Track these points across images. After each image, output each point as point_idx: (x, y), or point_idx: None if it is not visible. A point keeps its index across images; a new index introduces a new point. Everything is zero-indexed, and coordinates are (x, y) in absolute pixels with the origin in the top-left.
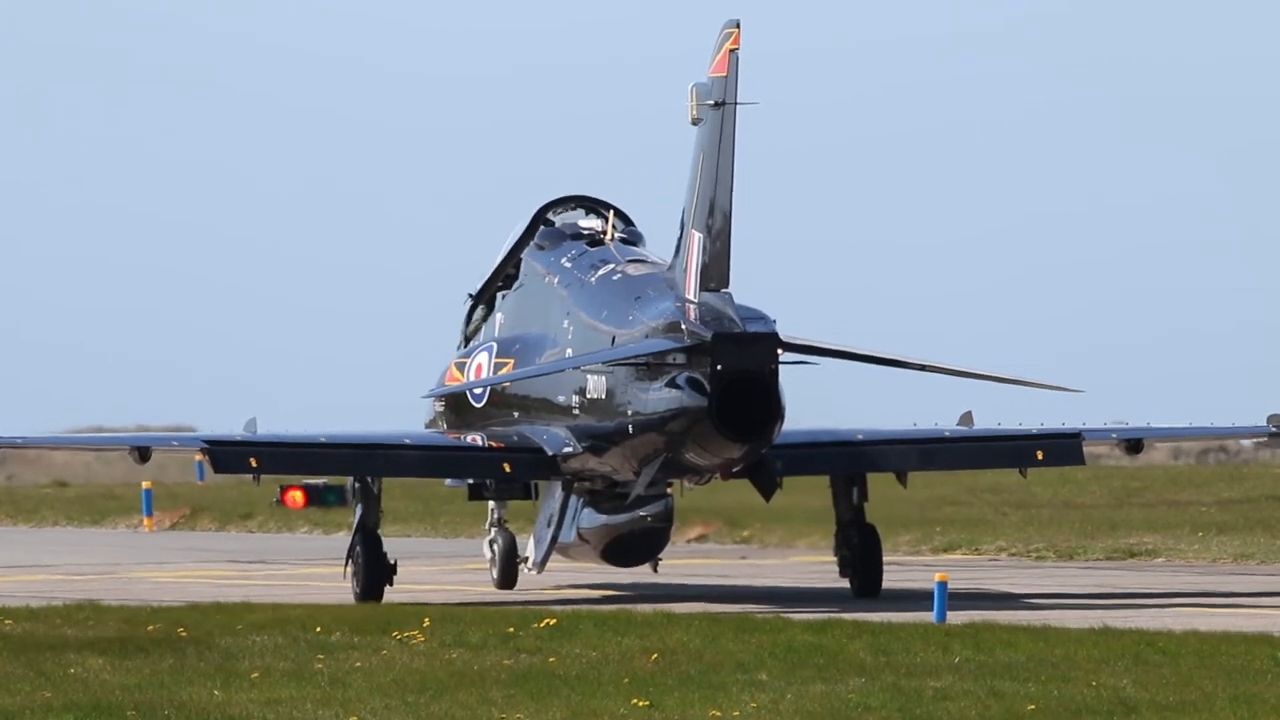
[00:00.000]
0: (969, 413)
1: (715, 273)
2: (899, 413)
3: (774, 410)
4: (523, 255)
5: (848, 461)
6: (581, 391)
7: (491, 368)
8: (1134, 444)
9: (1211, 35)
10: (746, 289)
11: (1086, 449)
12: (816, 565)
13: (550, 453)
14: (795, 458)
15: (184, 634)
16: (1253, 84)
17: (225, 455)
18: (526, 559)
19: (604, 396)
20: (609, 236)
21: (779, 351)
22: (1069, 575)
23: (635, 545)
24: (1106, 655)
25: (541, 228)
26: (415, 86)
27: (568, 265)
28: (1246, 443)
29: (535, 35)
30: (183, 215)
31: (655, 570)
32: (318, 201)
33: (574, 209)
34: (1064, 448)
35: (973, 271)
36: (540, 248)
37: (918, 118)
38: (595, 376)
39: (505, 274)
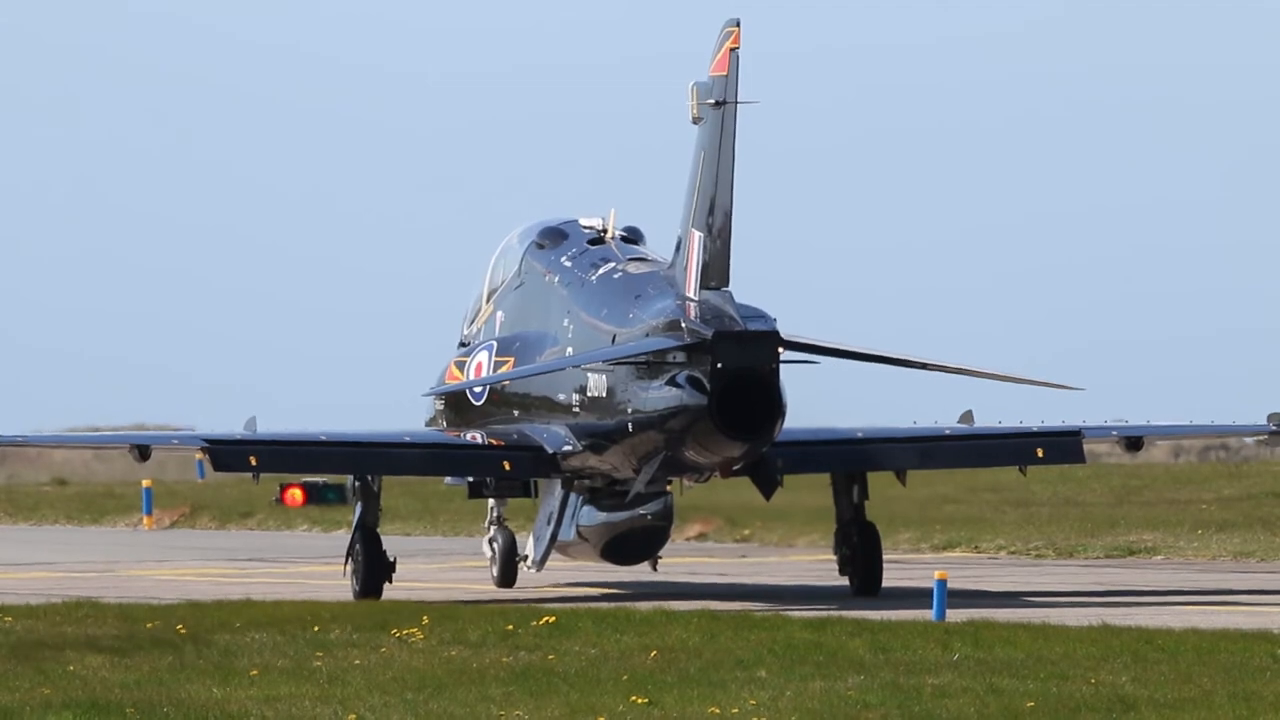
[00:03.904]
0: (969, 411)
1: (716, 271)
2: (899, 411)
3: (774, 409)
4: (523, 254)
5: (848, 460)
6: (581, 390)
7: (491, 366)
8: (1134, 442)
9: (1213, 38)
10: (747, 288)
11: (1086, 447)
12: (816, 563)
13: (550, 451)
14: (795, 456)
15: (183, 632)
16: (1253, 87)
17: (225, 453)
18: (526, 557)
19: (604, 395)
20: (609, 235)
21: (779, 350)
22: (1068, 573)
23: (635, 543)
24: (1106, 653)
25: (541, 227)
26: (415, 86)
27: (568, 264)
28: (1247, 440)
29: (535, 35)
30: (183, 215)
31: (655, 569)
32: (318, 201)
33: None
34: (1064, 445)
35: (973, 270)
36: (540, 246)
37: (917, 118)
38: (595, 375)
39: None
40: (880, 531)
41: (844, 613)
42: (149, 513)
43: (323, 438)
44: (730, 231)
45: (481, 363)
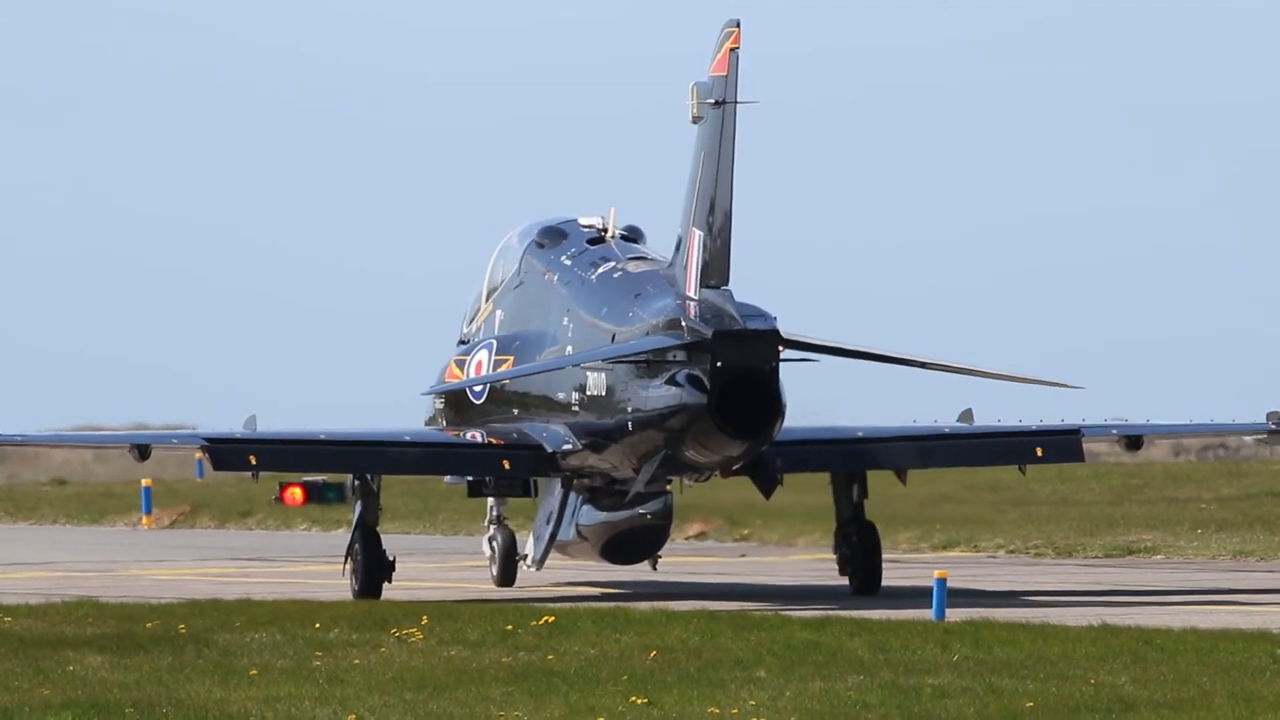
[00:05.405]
0: (969, 410)
1: (716, 270)
2: (899, 410)
3: (774, 408)
4: (523, 253)
5: (848, 459)
6: (581, 388)
7: (491, 365)
8: (1134, 441)
9: (1214, 39)
10: (747, 287)
11: (1086, 446)
12: (816, 563)
13: (550, 450)
14: (795, 455)
15: (183, 631)
16: (1254, 88)
17: (225, 453)
18: (526, 556)
19: (604, 394)
20: (609, 234)
21: (779, 349)
22: (1068, 572)
23: (635, 543)
24: (1105, 653)
25: (540, 227)
26: (415, 86)
27: (568, 263)
28: (1246, 439)
29: (535, 34)
30: (183, 215)
31: (654, 568)
32: (318, 202)
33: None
34: (1063, 444)
35: (972, 270)
36: (540, 245)
37: (917, 117)
38: (595, 374)
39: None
40: (880, 531)
41: (843, 612)
42: (149, 512)
43: (322, 437)
44: (730, 231)
45: (481, 361)
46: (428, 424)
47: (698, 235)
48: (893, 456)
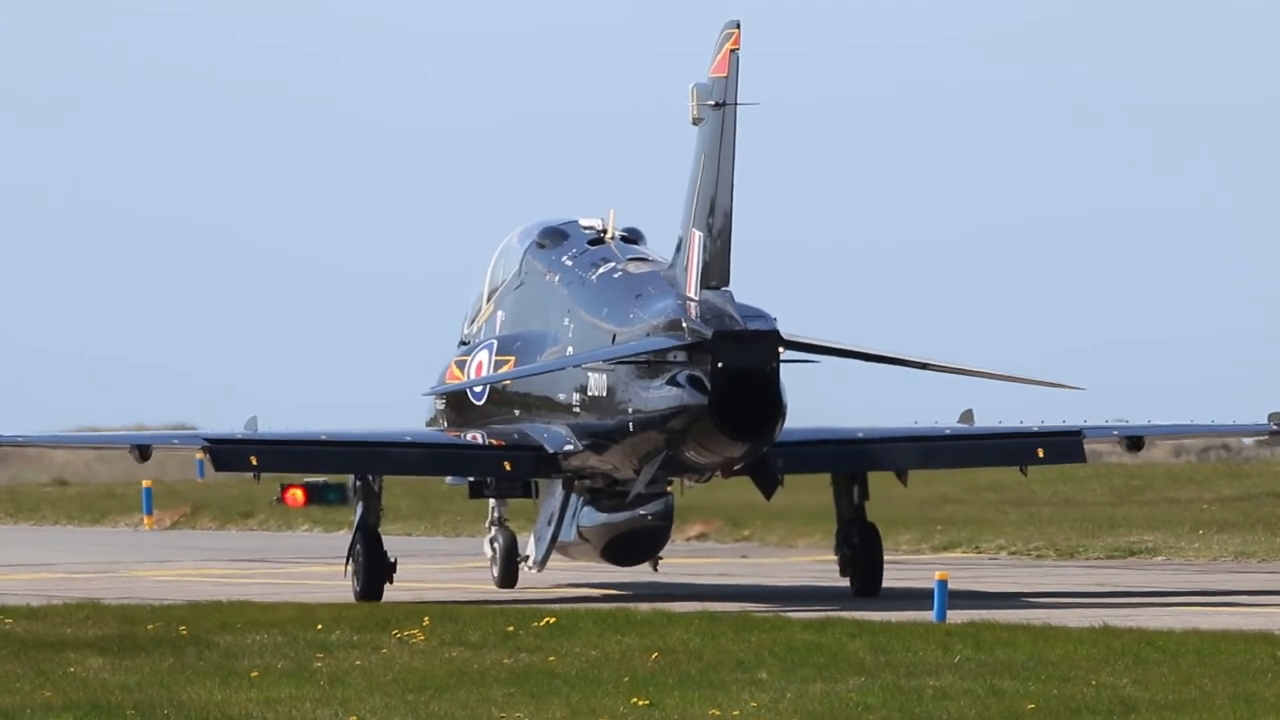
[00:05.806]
0: (970, 411)
1: (716, 271)
2: (900, 411)
3: (775, 408)
4: (524, 254)
5: (849, 460)
6: (582, 389)
7: (492, 366)
8: (1135, 442)
9: (1214, 39)
10: (747, 288)
11: (1087, 446)
12: (817, 564)
13: (551, 451)
14: (796, 456)
15: (184, 633)
16: (1254, 88)
17: (226, 453)
18: (527, 558)
19: (605, 394)
20: (609, 235)
21: (780, 349)
22: (1069, 574)
23: (635, 544)
24: (1106, 654)
25: (541, 227)
26: (415, 86)
27: (568, 263)
28: (1248, 440)
29: (535, 34)
30: (183, 215)
31: (655, 569)
32: (319, 202)
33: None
34: (1065, 445)
35: (973, 270)
36: (541, 246)
37: (917, 118)
38: (596, 374)
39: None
40: (881, 532)
41: (844, 614)
42: (149, 513)
43: (323, 437)
44: (730, 232)
45: (482, 362)
46: (429, 425)
47: (698, 236)
48: (893, 457)
